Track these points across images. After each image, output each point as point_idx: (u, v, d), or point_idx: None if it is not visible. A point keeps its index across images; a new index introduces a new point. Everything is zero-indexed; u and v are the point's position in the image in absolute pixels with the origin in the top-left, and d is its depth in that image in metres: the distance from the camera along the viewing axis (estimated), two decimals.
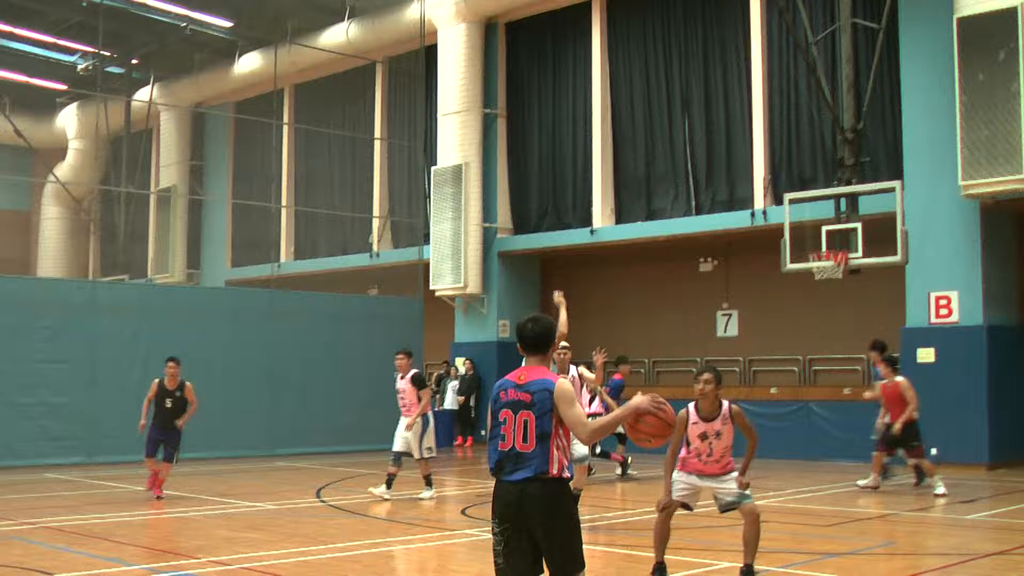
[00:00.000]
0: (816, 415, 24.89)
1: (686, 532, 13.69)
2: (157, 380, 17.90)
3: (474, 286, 30.06)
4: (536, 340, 7.21)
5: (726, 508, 10.43)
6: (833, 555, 12.48)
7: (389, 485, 17.44)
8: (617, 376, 21.95)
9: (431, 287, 30.56)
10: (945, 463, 20.90)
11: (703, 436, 10.14)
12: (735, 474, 10.25)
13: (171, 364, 17.92)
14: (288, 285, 32.59)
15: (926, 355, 22.20)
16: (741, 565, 10.32)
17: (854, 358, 25.50)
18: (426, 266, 30.69)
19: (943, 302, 22.30)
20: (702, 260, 28.65)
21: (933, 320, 22.46)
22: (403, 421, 17.43)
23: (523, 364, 7.25)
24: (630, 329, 29.45)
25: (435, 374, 31.83)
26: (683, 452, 10.34)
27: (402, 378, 17.54)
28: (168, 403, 17.75)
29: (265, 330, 27.16)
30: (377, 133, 34.86)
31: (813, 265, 21.58)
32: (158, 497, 17.49)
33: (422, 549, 13.27)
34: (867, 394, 19.94)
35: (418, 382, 17.51)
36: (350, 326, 28.68)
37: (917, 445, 18.66)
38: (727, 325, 28.16)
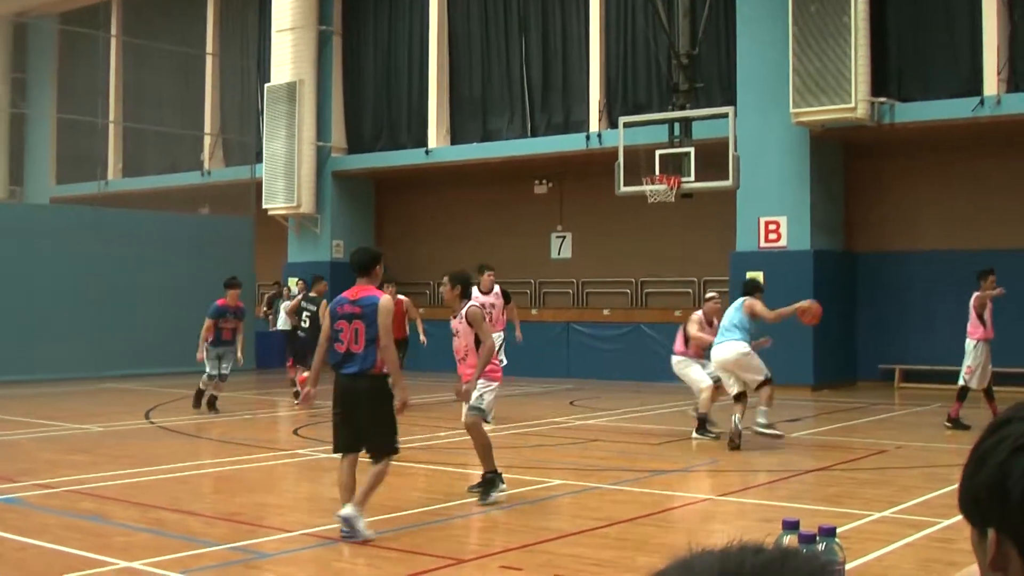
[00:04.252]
0: (647, 337, 25.20)
1: (520, 451, 13.82)
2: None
3: (307, 206, 29.66)
4: (359, 265, 9.34)
5: None
6: (661, 472, 12.72)
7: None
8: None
9: (264, 206, 30.07)
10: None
11: (453, 332, 10.91)
12: (481, 382, 10.76)
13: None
14: (116, 203, 31.65)
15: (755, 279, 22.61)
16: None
17: (685, 281, 25.92)
18: (258, 185, 30.17)
19: (772, 227, 22.75)
20: (537, 182, 28.69)
21: (762, 245, 22.91)
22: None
23: (356, 284, 9.26)
24: (464, 251, 29.30)
25: (267, 295, 31.36)
26: None
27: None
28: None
29: (92, 249, 26.29)
30: (209, 48, 34.00)
31: (646, 188, 21.77)
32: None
33: (253, 469, 13.14)
34: None
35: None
36: (180, 245, 27.92)
37: None
38: (561, 248, 28.35)
